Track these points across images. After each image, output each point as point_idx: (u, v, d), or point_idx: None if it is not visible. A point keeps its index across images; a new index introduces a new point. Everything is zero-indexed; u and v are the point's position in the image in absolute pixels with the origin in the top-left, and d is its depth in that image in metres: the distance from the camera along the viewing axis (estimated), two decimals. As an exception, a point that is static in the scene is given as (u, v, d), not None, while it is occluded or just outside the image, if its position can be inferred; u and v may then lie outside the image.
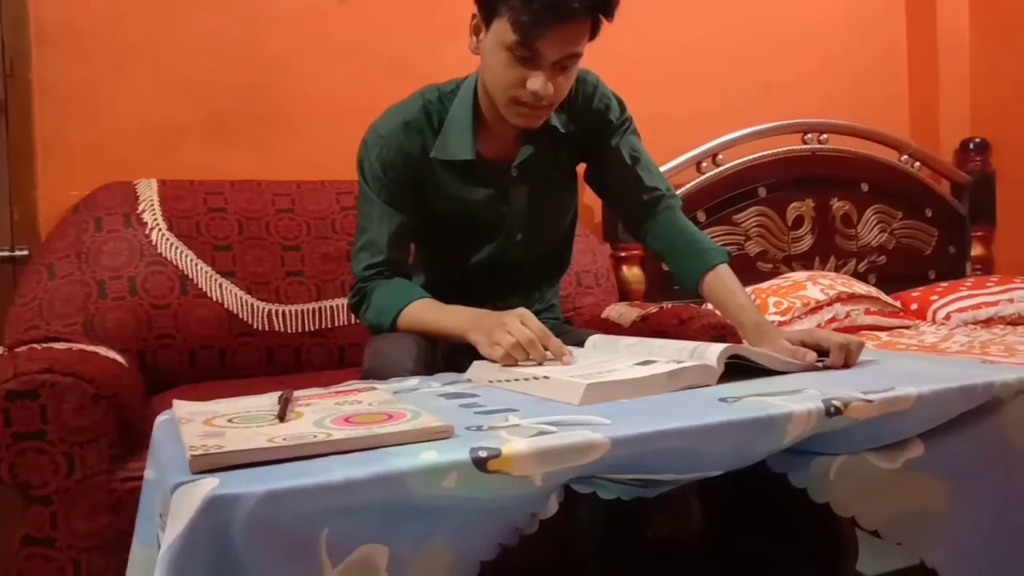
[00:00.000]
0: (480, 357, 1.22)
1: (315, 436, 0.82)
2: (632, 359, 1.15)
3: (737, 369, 1.11)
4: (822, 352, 1.21)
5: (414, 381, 1.19)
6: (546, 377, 1.07)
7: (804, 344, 1.22)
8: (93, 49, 2.13)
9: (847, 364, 1.19)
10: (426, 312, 1.36)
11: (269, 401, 1.02)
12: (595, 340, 1.36)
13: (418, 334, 1.35)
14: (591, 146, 1.52)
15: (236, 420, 0.92)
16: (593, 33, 1.31)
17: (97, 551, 1.32)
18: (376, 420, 0.88)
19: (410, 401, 0.99)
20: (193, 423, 0.90)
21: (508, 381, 1.12)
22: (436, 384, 1.17)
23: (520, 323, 1.18)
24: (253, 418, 0.92)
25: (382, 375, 1.25)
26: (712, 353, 1.10)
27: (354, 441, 0.81)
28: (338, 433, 0.83)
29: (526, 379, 1.10)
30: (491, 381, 1.15)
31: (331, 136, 2.29)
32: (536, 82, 1.28)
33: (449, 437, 0.84)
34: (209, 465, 0.74)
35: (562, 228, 1.60)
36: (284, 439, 0.81)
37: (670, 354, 1.16)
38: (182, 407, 1.01)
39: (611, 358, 1.19)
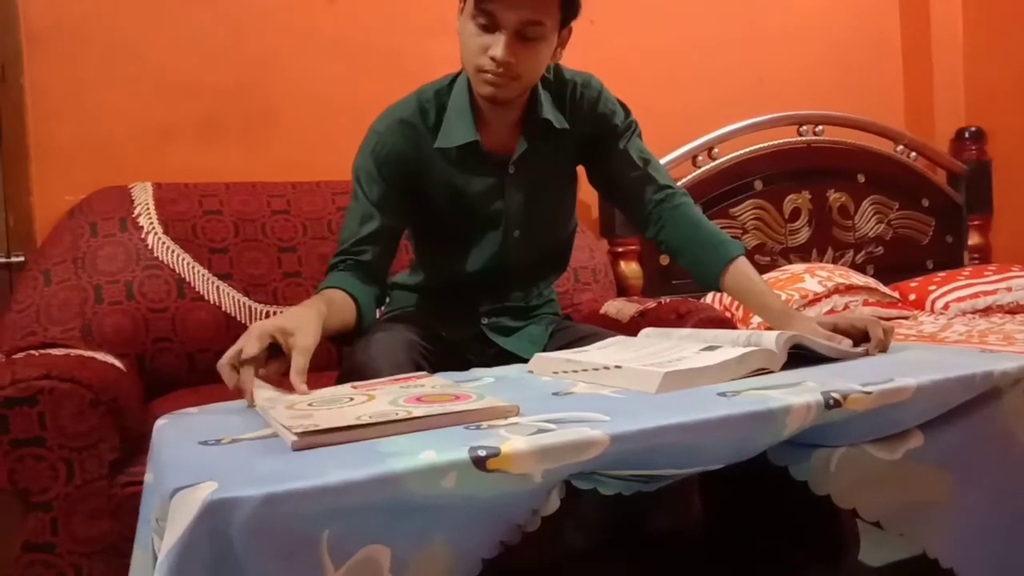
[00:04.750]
0: (477, 355, 1.22)
1: (397, 414, 0.85)
2: (696, 346, 1.15)
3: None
4: (850, 335, 1.21)
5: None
6: (618, 367, 1.06)
7: (837, 328, 1.22)
8: (82, 52, 2.12)
9: (883, 349, 1.20)
10: None
11: (331, 392, 1.04)
12: (648, 332, 1.36)
13: None
14: (595, 149, 1.51)
15: (315, 404, 0.95)
16: (566, 11, 1.31)
17: (97, 556, 1.31)
18: (446, 399, 0.92)
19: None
20: (277, 408, 0.93)
21: (575, 372, 1.12)
22: (441, 381, 1.16)
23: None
24: (331, 401, 0.96)
25: (362, 376, 1.23)
26: (768, 340, 1.10)
27: (437, 419, 0.86)
28: (418, 411, 0.87)
29: (595, 369, 1.09)
30: (555, 372, 1.15)
31: (322, 134, 2.30)
32: (495, 48, 1.29)
33: (517, 416, 0.88)
34: (312, 443, 0.79)
35: (562, 230, 1.59)
36: (371, 417, 0.84)
37: (727, 342, 1.16)
38: (262, 393, 1.03)
39: (674, 345, 1.19)
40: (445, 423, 0.86)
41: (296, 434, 0.80)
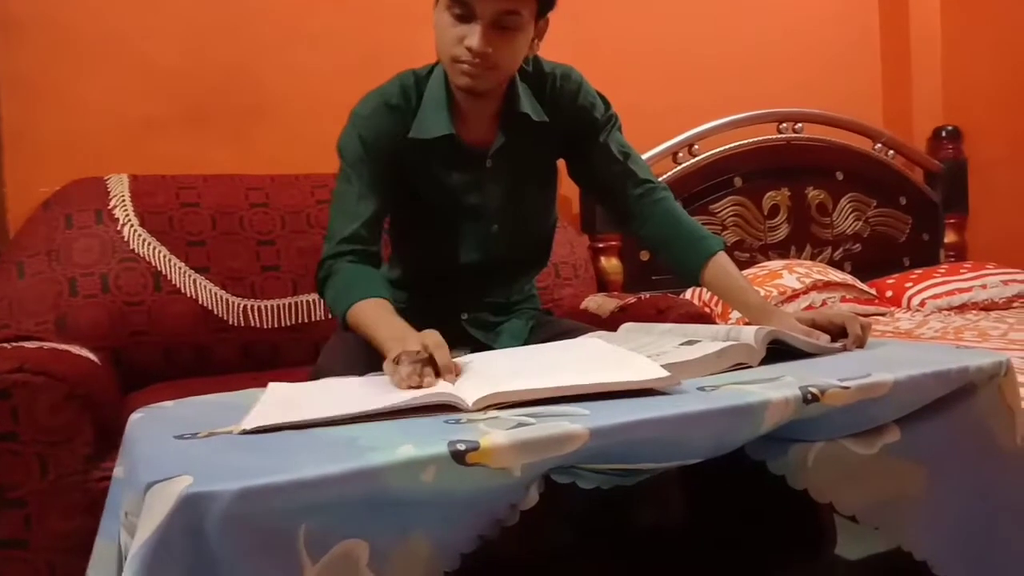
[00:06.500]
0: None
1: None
2: (675, 340, 1.15)
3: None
4: (828, 331, 1.22)
5: None
6: None
7: (815, 324, 1.23)
8: (62, 40, 2.10)
9: (861, 345, 1.21)
10: (370, 316, 1.25)
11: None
12: (629, 327, 1.36)
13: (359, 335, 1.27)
14: (576, 143, 1.51)
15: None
16: (543, 1, 1.31)
17: (72, 552, 1.29)
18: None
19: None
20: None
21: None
22: None
23: (412, 350, 1.05)
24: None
25: (331, 373, 1.22)
26: (747, 335, 1.11)
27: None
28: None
29: None
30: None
31: (306, 127, 2.28)
32: (472, 38, 1.28)
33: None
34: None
35: (541, 225, 1.58)
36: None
37: (707, 337, 1.16)
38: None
39: (654, 340, 1.19)
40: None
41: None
